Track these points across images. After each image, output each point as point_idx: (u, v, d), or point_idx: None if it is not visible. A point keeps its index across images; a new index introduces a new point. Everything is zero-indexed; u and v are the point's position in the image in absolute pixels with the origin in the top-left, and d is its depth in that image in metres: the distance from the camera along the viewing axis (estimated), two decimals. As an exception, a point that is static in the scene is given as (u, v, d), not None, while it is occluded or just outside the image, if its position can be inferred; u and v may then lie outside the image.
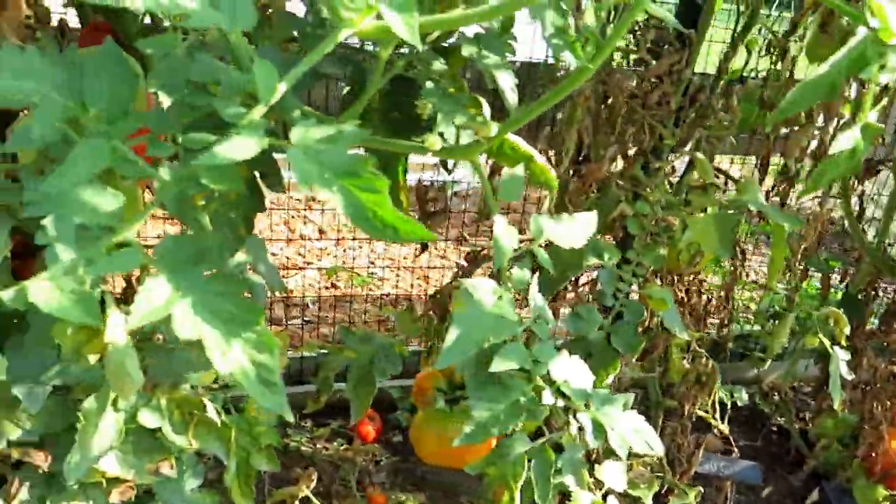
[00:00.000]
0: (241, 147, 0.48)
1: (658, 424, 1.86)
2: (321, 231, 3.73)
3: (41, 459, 0.94)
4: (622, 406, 0.92)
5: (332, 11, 0.53)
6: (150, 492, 1.23)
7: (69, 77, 0.52)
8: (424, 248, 1.72)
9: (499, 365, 0.79)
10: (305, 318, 2.98)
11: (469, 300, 0.77)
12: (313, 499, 1.63)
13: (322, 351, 2.24)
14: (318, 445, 2.20)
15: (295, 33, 0.93)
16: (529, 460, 1.24)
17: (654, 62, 1.24)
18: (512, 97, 0.82)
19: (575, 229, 0.87)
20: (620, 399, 0.92)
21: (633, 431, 0.92)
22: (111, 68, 0.53)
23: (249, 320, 0.47)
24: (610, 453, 1.39)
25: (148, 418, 1.02)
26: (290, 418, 0.49)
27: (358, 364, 1.49)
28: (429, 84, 0.76)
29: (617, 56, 1.42)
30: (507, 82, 0.82)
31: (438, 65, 0.78)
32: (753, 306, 3.20)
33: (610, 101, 1.24)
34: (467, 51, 0.79)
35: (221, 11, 0.50)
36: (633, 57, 1.29)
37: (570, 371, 0.89)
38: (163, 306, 0.46)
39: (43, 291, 0.49)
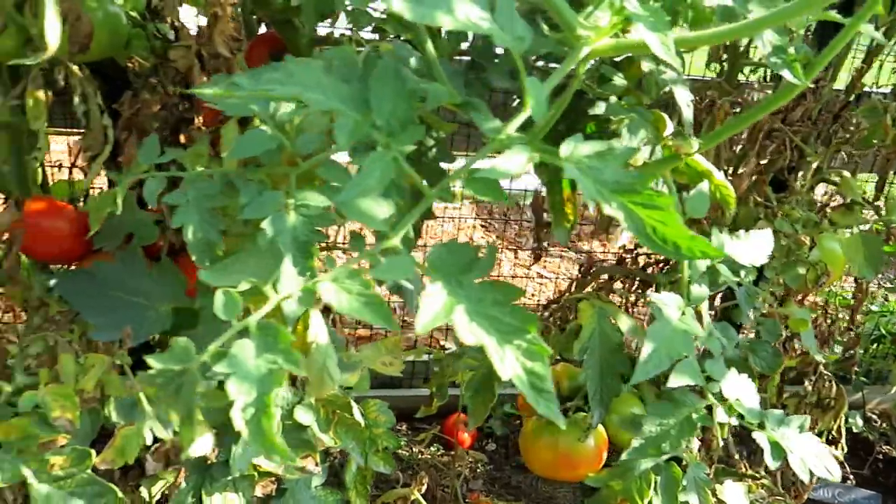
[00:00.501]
0: (513, 161, 0.50)
1: (768, 446, 1.81)
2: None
3: (210, 451, 0.98)
4: (798, 428, 0.90)
5: (568, 30, 0.54)
6: (281, 488, 1.26)
7: (351, 91, 0.55)
8: (538, 258, 1.73)
9: (674, 381, 0.79)
10: (394, 323, 3.01)
11: (660, 315, 0.78)
12: (422, 501, 1.65)
13: (427, 356, 2.27)
14: (413, 449, 2.23)
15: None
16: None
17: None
18: (688, 112, 0.82)
19: (754, 247, 0.87)
20: (796, 420, 0.91)
21: (814, 455, 0.90)
22: (392, 84, 0.56)
23: (521, 328, 0.49)
24: (726, 473, 1.37)
25: (303, 415, 1.05)
26: (563, 425, 0.51)
27: (478, 372, 1.50)
28: (612, 99, 0.77)
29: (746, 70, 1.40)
30: (683, 98, 0.82)
31: (618, 80, 0.79)
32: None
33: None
34: (647, 66, 0.80)
35: (505, 31, 0.52)
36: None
37: (741, 389, 0.88)
38: (442, 313, 0.48)
39: (329, 292, 0.51)
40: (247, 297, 0.71)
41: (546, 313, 1.71)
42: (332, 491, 1.41)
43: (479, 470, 2.16)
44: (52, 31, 0.59)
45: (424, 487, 1.65)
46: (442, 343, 2.94)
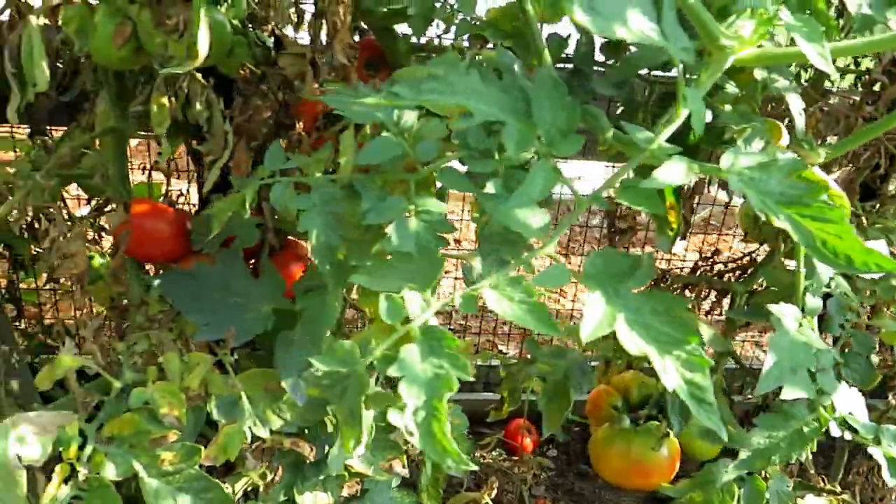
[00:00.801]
0: (673, 172, 0.50)
1: (843, 461, 1.78)
2: (457, 241, 3.78)
3: (307, 451, 1.00)
4: (914, 443, 0.88)
5: (710, 40, 0.54)
6: (364, 489, 1.28)
7: (510, 100, 0.56)
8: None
9: (788, 393, 0.78)
10: (450, 327, 3.03)
11: (780, 327, 0.77)
12: (492, 506, 1.65)
13: (496, 361, 2.27)
14: (475, 454, 2.23)
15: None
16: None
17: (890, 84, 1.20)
18: (800, 121, 0.81)
19: (869, 258, 0.85)
20: (913, 436, 0.89)
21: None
22: (552, 94, 0.57)
23: (681, 339, 0.49)
24: (804, 487, 1.35)
25: (395, 418, 1.06)
26: (725, 437, 0.51)
27: (552, 378, 1.50)
28: (727, 107, 0.77)
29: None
30: (797, 106, 0.81)
31: (731, 87, 0.79)
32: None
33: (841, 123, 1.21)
34: (760, 74, 0.79)
35: (669, 42, 0.52)
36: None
37: (853, 403, 0.87)
38: (605, 322, 0.49)
39: (491, 299, 0.52)
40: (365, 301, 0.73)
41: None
42: (408, 493, 1.42)
43: (541, 476, 2.15)
44: (204, 41, 0.61)
45: (494, 492, 1.66)
46: (500, 348, 2.94)
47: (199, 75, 0.82)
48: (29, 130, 1.39)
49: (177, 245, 1.11)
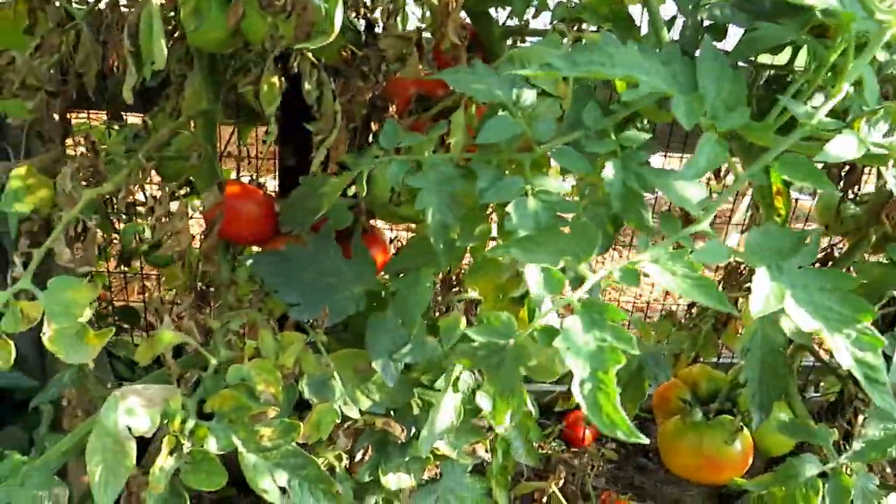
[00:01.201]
0: (845, 147, 0.49)
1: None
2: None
3: (398, 431, 1.01)
4: None
5: (869, 14, 0.53)
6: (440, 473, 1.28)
7: (673, 72, 0.55)
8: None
9: (906, 383, 0.76)
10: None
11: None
12: (559, 495, 1.65)
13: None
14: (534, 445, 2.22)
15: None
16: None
17: None
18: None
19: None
20: None
21: None
22: (715, 65, 0.56)
23: (852, 317, 0.48)
24: (886, 487, 1.31)
25: (484, 401, 1.06)
26: None
27: (626, 369, 1.48)
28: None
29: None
30: (917, 90, 0.79)
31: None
32: None
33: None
34: (883, 56, 0.77)
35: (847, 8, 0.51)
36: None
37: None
38: (773, 299, 0.48)
39: (655, 272, 0.52)
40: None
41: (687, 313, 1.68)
42: (479, 479, 1.42)
43: (600, 468, 2.13)
44: (339, 16, 0.61)
45: (562, 481, 1.65)
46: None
47: (309, 55, 0.83)
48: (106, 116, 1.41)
49: (265, 226, 1.12)
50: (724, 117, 0.54)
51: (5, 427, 1.37)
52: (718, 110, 0.54)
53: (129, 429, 0.81)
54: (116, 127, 1.42)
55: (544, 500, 1.67)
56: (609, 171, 0.69)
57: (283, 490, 0.90)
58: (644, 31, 0.96)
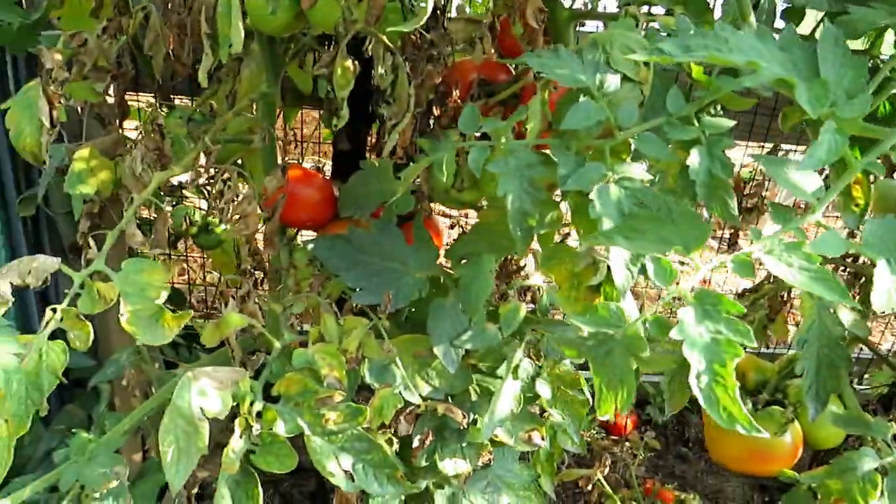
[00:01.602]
0: None
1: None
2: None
3: (459, 417, 1.01)
4: None
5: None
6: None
7: (791, 58, 0.54)
8: (733, 244, 1.68)
9: None
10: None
11: None
12: (605, 483, 1.65)
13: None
14: (573, 431, 2.22)
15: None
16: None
17: None
18: None
19: None
20: None
21: None
22: (836, 50, 0.55)
23: None
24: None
25: (543, 388, 1.06)
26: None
27: (680, 357, 1.47)
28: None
29: None
30: None
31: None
32: None
33: None
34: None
35: None
36: None
37: None
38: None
39: (770, 263, 0.51)
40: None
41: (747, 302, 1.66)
42: (526, 465, 1.42)
43: (641, 457, 2.13)
44: (431, 1, 0.60)
45: (607, 469, 1.65)
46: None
47: (384, 38, 0.82)
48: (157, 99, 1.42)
49: (324, 211, 1.13)
50: (844, 106, 0.53)
51: (64, 406, 1.39)
52: (839, 98, 0.53)
53: (202, 410, 0.82)
54: (165, 109, 1.44)
55: (588, 488, 1.66)
56: (694, 158, 0.68)
57: (348, 474, 0.91)
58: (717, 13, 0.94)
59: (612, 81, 0.69)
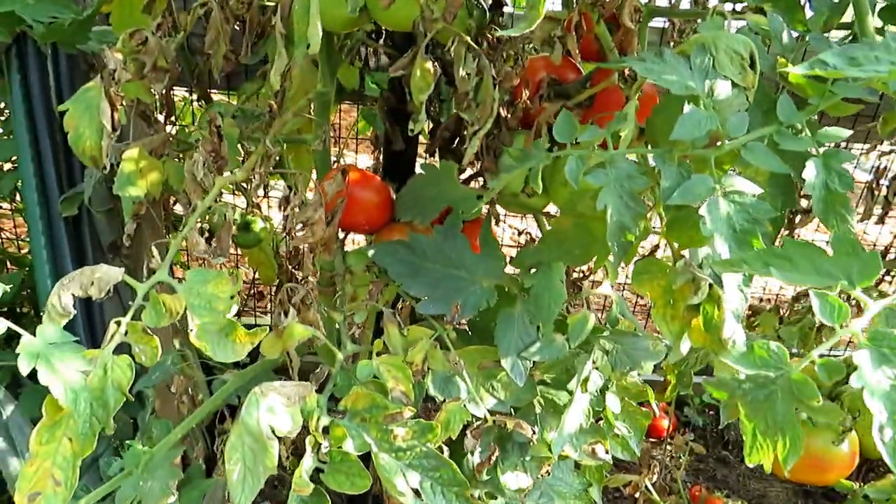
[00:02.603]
0: None
1: None
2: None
3: (528, 433, 0.97)
4: None
5: None
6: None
7: None
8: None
9: None
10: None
11: None
12: (651, 488, 1.61)
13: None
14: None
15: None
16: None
17: None
18: None
19: None
20: None
21: None
22: None
23: None
24: None
25: (613, 402, 1.02)
26: None
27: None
28: None
29: None
30: None
31: None
32: None
33: None
34: None
35: None
36: None
37: None
38: None
39: None
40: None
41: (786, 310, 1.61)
42: (577, 474, 1.38)
43: (680, 459, 2.08)
44: (545, 3, 0.56)
45: (655, 476, 1.61)
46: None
47: (467, 38, 0.78)
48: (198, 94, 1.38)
49: (382, 214, 1.09)
50: None
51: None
52: None
53: (272, 428, 0.79)
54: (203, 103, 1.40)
55: (636, 494, 1.63)
56: (810, 171, 0.63)
57: (415, 492, 0.87)
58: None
59: (723, 89, 0.64)
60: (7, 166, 1.77)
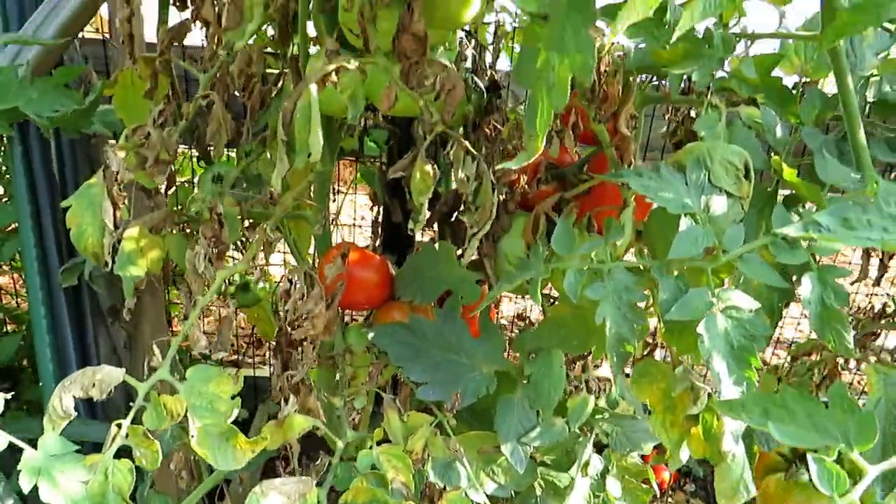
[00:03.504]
0: None
1: None
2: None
3: (530, 520, 0.96)
4: None
5: None
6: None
7: None
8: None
9: None
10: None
11: None
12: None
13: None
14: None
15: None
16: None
17: None
18: None
19: None
20: None
21: None
22: None
23: None
24: None
25: (613, 486, 1.02)
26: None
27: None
28: None
29: None
30: None
31: None
32: None
33: None
34: None
35: None
36: None
37: None
38: None
39: None
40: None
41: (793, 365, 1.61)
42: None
43: (683, 513, 2.07)
44: (544, 140, 0.56)
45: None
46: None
47: (465, 142, 0.79)
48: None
49: (382, 293, 1.09)
50: None
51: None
52: None
53: (272, 530, 0.78)
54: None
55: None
56: (806, 287, 0.64)
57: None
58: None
59: (719, 204, 0.65)
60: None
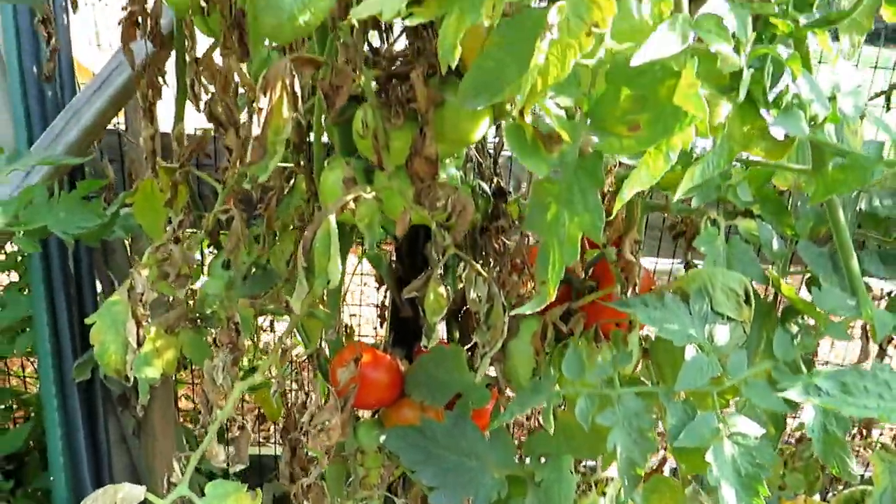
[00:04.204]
0: None
1: None
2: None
3: None
4: None
5: None
6: None
7: None
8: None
9: None
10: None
11: None
12: None
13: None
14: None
15: None
16: None
17: None
18: None
19: None
20: None
21: None
22: None
23: None
24: None
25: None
26: None
27: None
28: None
29: None
30: None
31: None
32: None
33: None
34: None
35: None
36: None
37: None
38: None
39: None
40: None
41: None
42: None
43: None
44: (557, 284, 0.60)
45: None
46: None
47: (478, 265, 0.82)
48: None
49: (393, 393, 1.11)
50: None
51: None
52: None
53: None
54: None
55: None
56: (808, 415, 0.67)
57: None
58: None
59: (722, 333, 0.68)
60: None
